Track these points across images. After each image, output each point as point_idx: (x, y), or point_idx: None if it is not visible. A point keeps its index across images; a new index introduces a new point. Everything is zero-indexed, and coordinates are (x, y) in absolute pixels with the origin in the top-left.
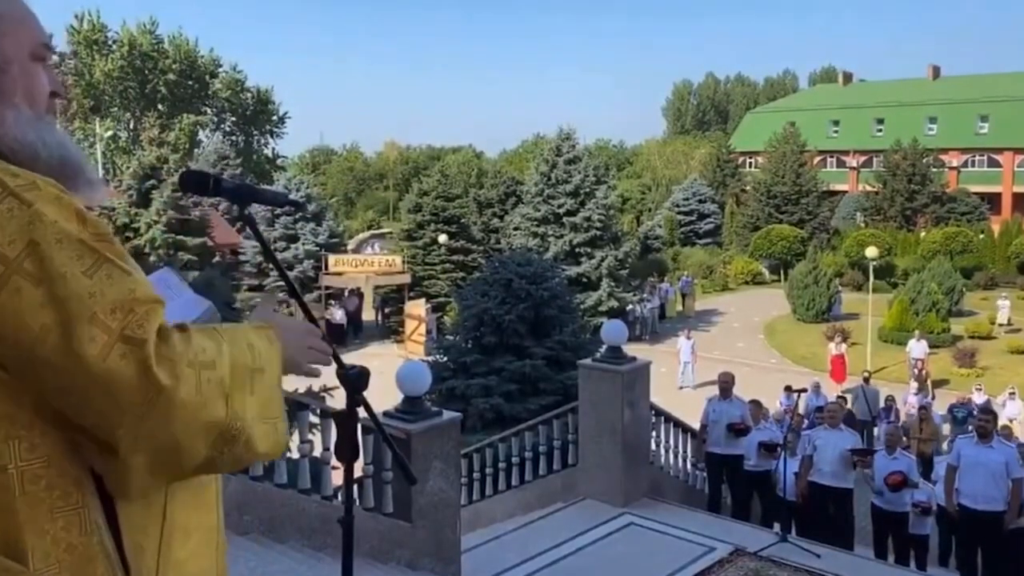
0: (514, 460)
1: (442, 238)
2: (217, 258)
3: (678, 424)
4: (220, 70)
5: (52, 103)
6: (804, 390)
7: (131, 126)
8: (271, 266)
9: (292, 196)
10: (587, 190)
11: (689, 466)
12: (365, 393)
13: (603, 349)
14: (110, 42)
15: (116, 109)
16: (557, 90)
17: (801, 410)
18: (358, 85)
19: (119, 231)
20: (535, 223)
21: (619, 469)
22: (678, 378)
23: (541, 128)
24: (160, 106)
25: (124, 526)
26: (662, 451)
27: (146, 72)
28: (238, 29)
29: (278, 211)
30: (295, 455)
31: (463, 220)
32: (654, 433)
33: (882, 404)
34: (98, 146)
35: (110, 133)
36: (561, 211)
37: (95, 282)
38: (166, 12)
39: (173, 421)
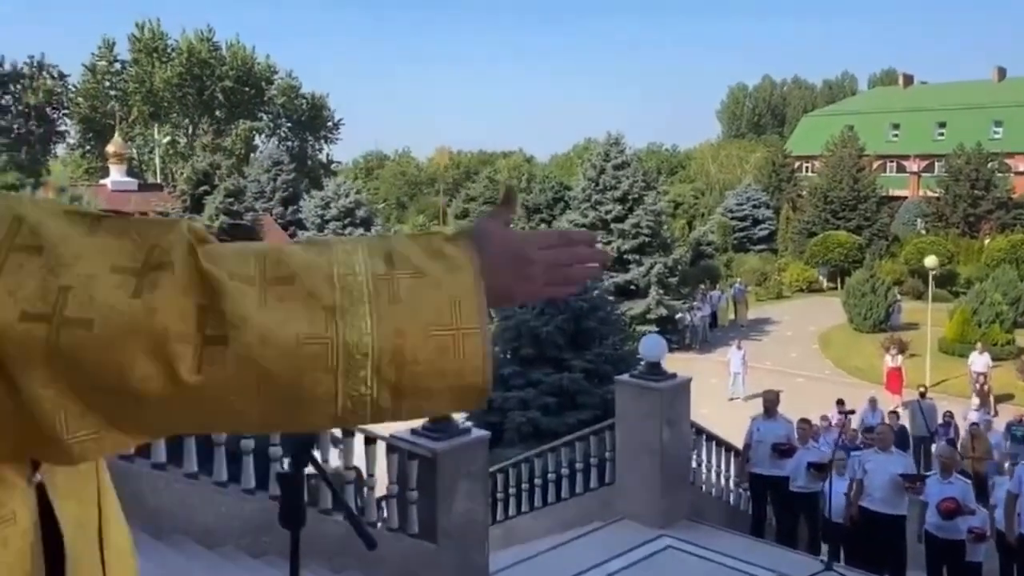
0: (550, 477)
1: None
2: None
3: (720, 443)
4: (276, 77)
5: None
6: (852, 412)
7: (189, 132)
8: None
9: (341, 201)
10: (635, 196)
11: (732, 486)
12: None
13: (642, 365)
14: (169, 50)
15: (175, 115)
16: (610, 93)
17: (855, 425)
18: (413, 90)
19: None
20: (583, 229)
21: (658, 489)
22: (728, 389)
23: (593, 132)
24: (217, 112)
25: (65, 526)
26: (703, 471)
27: (204, 79)
28: (295, 37)
29: (327, 216)
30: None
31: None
32: (695, 452)
33: (940, 420)
34: (156, 151)
35: (168, 139)
36: (609, 217)
37: (98, 239)
38: (224, 20)
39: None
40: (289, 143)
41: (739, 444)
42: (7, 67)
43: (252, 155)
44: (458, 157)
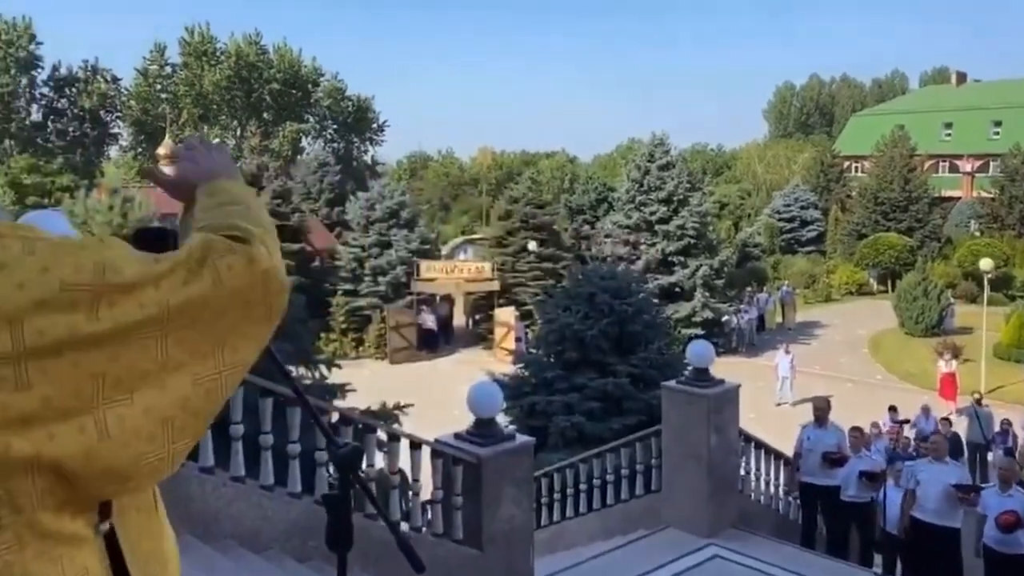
0: (595, 482)
1: (531, 245)
2: (316, 263)
3: (769, 450)
4: (322, 79)
5: None
6: (907, 421)
7: (238, 134)
8: (366, 271)
9: (386, 202)
10: (680, 197)
11: (782, 495)
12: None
13: (689, 370)
14: (218, 53)
15: (224, 118)
16: (654, 93)
17: (908, 432)
18: (455, 91)
19: None
20: (626, 230)
21: (705, 497)
22: (776, 394)
23: (637, 132)
24: (265, 114)
25: (136, 566)
26: (752, 479)
27: (252, 82)
28: (338, 37)
29: (372, 217)
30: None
31: (554, 227)
32: (743, 460)
33: (997, 428)
34: None
35: (217, 141)
36: (653, 218)
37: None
38: (270, 21)
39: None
40: (335, 145)
41: (787, 449)
42: (63, 71)
43: (299, 157)
44: (501, 158)
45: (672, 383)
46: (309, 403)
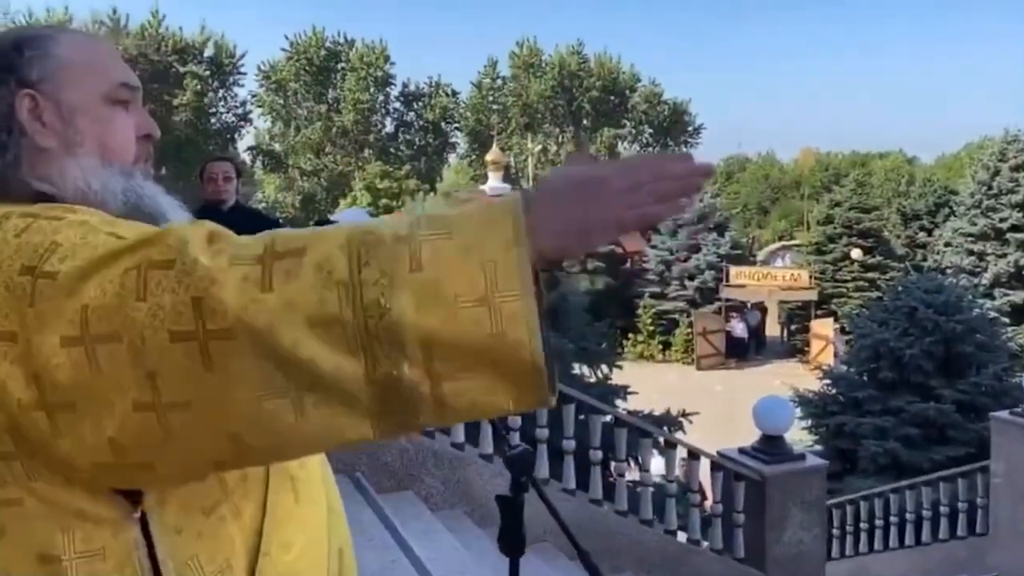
0: (909, 516)
1: (855, 253)
2: (626, 264)
3: None
4: (639, 84)
5: (143, 147)
6: None
7: (559, 140)
8: (674, 275)
9: (695, 206)
10: None
11: None
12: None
13: None
14: (543, 64)
15: (547, 125)
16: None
17: None
18: (780, 90)
19: None
20: (970, 239)
21: None
22: None
23: (993, 128)
24: (584, 121)
25: (165, 560)
26: None
27: (573, 90)
28: (660, 41)
29: (680, 220)
30: (635, 476)
31: (883, 234)
32: None
33: None
34: (530, 160)
35: (539, 147)
36: (1004, 226)
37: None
38: (594, 30)
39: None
40: (649, 148)
41: None
42: (411, 87)
43: None
44: (827, 158)
45: (1003, 413)
46: None
